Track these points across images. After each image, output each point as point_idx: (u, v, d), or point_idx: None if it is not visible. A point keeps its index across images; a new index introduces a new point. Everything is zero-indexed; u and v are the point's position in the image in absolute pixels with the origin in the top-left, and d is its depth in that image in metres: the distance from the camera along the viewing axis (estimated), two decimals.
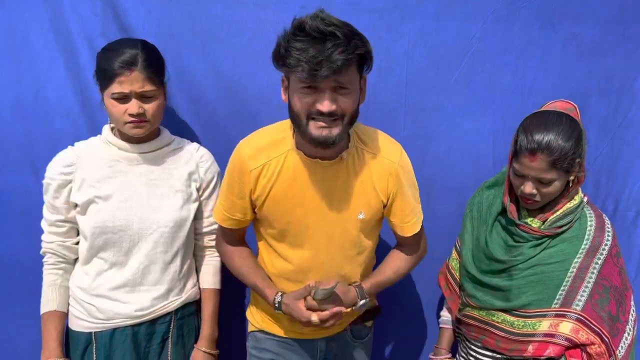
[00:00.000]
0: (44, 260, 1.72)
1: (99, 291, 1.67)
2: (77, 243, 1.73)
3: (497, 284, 1.62)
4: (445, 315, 1.88)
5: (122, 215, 1.66)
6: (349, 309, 1.56)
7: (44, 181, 1.68)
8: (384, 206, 1.60)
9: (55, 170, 1.67)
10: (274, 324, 1.70)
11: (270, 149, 1.53)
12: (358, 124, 1.55)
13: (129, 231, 1.67)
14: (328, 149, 1.44)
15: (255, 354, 1.76)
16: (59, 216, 1.68)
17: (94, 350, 1.66)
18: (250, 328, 1.80)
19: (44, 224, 1.72)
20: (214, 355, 1.83)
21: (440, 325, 1.89)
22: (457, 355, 1.83)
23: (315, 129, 1.38)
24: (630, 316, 1.60)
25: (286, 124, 1.55)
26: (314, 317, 1.47)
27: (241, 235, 1.71)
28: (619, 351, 1.57)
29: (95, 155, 1.70)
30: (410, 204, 1.62)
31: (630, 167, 2.01)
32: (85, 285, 1.68)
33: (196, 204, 1.79)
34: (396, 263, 1.69)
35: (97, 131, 1.79)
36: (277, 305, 1.56)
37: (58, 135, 1.93)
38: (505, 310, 1.62)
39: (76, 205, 1.67)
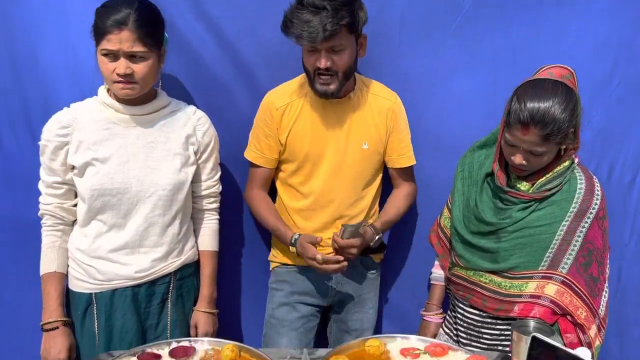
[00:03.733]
0: (42, 222, 1.74)
1: (98, 253, 1.70)
2: (75, 205, 1.75)
3: (485, 246, 1.67)
4: (437, 272, 1.94)
5: (120, 178, 1.68)
6: (370, 245, 1.90)
7: (41, 143, 1.69)
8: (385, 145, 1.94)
9: (51, 131, 1.67)
10: (294, 257, 1.96)
11: (292, 93, 1.91)
12: (361, 76, 1.95)
13: (127, 194, 1.68)
14: (329, 99, 1.83)
15: (275, 287, 2.03)
16: (56, 178, 1.69)
17: (95, 310, 1.71)
18: (272, 266, 2.08)
19: (41, 186, 1.73)
20: (213, 314, 1.88)
21: (432, 282, 1.96)
22: (447, 312, 1.90)
23: (319, 84, 1.78)
24: (607, 274, 1.67)
25: (304, 77, 1.89)
26: (319, 255, 1.78)
27: (268, 179, 2.00)
28: (601, 310, 1.65)
29: (92, 118, 1.70)
30: (405, 139, 1.99)
31: (626, 131, 2.02)
32: (85, 247, 1.71)
33: (194, 167, 1.80)
34: (396, 203, 2.02)
35: (93, 93, 1.78)
36: (292, 241, 1.87)
37: (54, 97, 1.93)
38: (492, 272, 1.67)
39: (73, 168, 1.68)
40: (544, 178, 1.62)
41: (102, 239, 1.71)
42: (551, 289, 1.61)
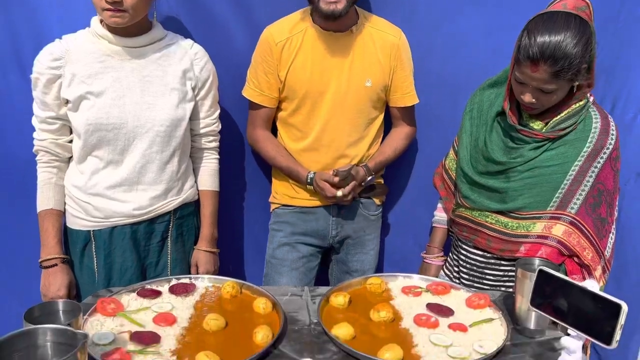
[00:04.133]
0: (37, 158, 1.69)
1: (95, 190, 1.66)
2: (71, 142, 1.69)
3: (493, 186, 1.62)
4: (439, 215, 1.91)
5: (115, 113, 1.61)
6: (361, 184, 1.89)
7: (32, 76, 1.62)
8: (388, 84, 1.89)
9: (43, 64, 1.60)
10: (293, 197, 1.97)
11: (292, 27, 1.83)
12: (364, 11, 1.88)
13: (123, 129, 1.63)
14: (336, 22, 1.74)
15: (275, 228, 2.01)
16: (49, 113, 1.63)
17: (94, 247, 1.68)
18: (272, 207, 2.05)
19: (34, 121, 1.67)
20: (214, 254, 1.86)
21: (434, 225, 1.93)
22: (449, 254, 1.88)
23: (325, 4, 1.69)
24: (615, 216, 1.63)
25: (305, 11, 1.84)
26: (339, 192, 1.81)
27: (269, 119, 1.95)
28: (607, 251, 1.61)
29: (85, 50, 1.62)
30: (409, 77, 1.93)
31: (630, 67, 1.95)
32: (81, 183, 1.67)
33: (192, 104, 1.74)
34: (393, 144, 1.98)
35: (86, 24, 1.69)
36: (309, 181, 1.86)
37: (44, 30, 1.84)
38: (499, 212, 1.63)
39: (67, 102, 1.62)
40: (558, 117, 1.55)
41: (99, 175, 1.66)
42: (559, 230, 1.57)
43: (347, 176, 1.80)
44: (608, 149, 1.55)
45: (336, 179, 1.79)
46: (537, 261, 1.42)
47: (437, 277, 1.86)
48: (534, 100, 1.50)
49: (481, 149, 1.66)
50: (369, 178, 1.89)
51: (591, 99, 1.60)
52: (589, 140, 1.54)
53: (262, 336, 1.28)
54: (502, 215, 1.63)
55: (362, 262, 2.02)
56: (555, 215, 1.57)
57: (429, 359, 1.24)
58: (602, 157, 1.55)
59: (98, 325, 1.32)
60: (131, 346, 1.24)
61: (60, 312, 1.15)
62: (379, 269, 2.16)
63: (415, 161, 2.16)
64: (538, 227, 1.59)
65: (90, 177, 1.66)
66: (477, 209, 1.67)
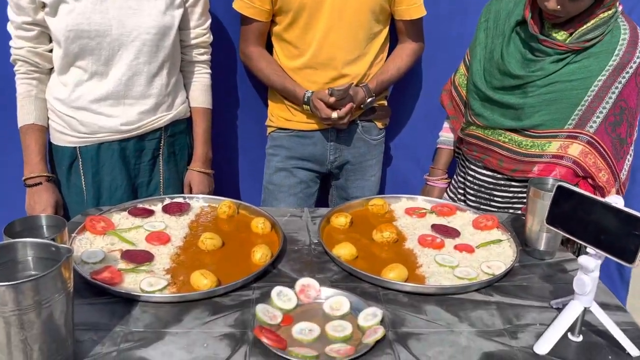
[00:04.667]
0: (15, 69, 1.56)
1: (79, 103, 1.54)
2: (51, 51, 1.55)
3: (508, 102, 1.52)
4: (445, 135, 1.81)
5: (98, 19, 1.47)
6: (360, 107, 1.76)
7: None
8: None
9: None
10: (289, 120, 1.86)
11: None
12: None
13: (107, 37, 1.49)
14: None
15: (272, 152, 1.92)
16: (25, 17, 1.48)
17: (80, 165, 1.59)
18: (268, 131, 1.94)
19: (10, 28, 1.52)
20: (208, 175, 1.78)
21: (438, 146, 1.84)
22: (454, 176, 1.80)
23: None
24: (634, 137, 1.54)
25: None
26: (334, 114, 1.68)
27: (263, 35, 1.80)
28: (622, 174, 1.54)
29: None
30: None
31: None
32: (64, 96, 1.55)
33: (180, 11, 1.59)
34: (398, 61, 1.82)
35: None
36: (306, 100, 1.74)
37: None
38: (514, 130, 1.54)
39: (44, 5, 1.47)
40: (584, 27, 1.42)
41: (83, 87, 1.54)
42: (575, 149, 1.48)
43: (343, 96, 1.66)
44: (635, 62, 1.43)
45: (332, 100, 1.66)
46: (550, 180, 1.34)
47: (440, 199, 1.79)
48: (558, 7, 1.36)
49: (497, 62, 1.53)
50: (368, 100, 1.75)
51: (620, 8, 1.45)
52: (615, 54, 1.42)
53: (261, 255, 1.21)
54: (516, 134, 1.53)
55: (362, 189, 1.94)
56: (573, 134, 1.48)
57: (435, 280, 1.18)
58: (627, 72, 1.43)
59: (87, 244, 1.25)
60: (122, 264, 1.18)
61: (44, 227, 1.07)
62: (380, 194, 2.07)
63: (422, 80, 2.03)
64: (553, 147, 1.49)
65: (73, 89, 1.54)
66: (489, 127, 1.57)
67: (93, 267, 1.16)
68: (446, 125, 1.81)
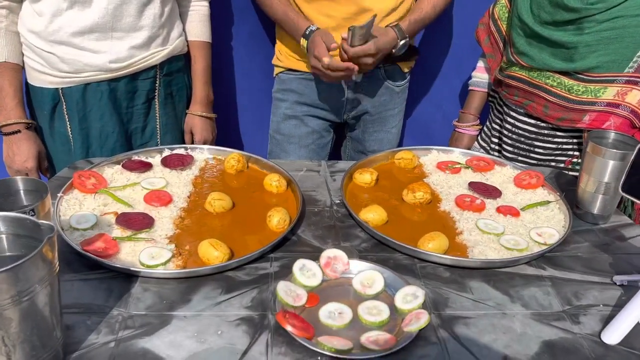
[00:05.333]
0: None
1: (59, 37, 1.32)
2: None
3: (560, 39, 1.30)
4: (479, 75, 1.61)
5: None
6: (392, 53, 1.49)
7: None
8: None
9: None
10: (301, 60, 1.60)
11: None
12: None
13: None
14: None
15: (279, 97, 1.68)
16: None
17: (65, 109, 1.39)
18: (275, 71, 1.68)
19: None
20: (211, 119, 1.58)
21: (470, 88, 1.64)
22: (487, 123, 1.62)
23: None
24: None
25: None
26: (326, 58, 1.39)
27: None
28: None
29: None
30: None
31: None
32: (40, 28, 1.32)
33: None
34: None
35: None
36: (307, 33, 1.46)
37: None
38: (564, 73, 1.34)
39: None
40: None
41: (63, 18, 1.31)
42: (634, 97, 1.29)
43: (367, 36, 1.39)
44: None
45: (346, 47, 1.37)
46: (612, 134, 1.16)
47: (469, 148, 1.62)
48: None
49: None
50: (401, 42, 1.49)
51: None
52: None
53: (278, 220, 1.05)
54: (566, 77, 1.33)
55: (380, 141, 1.73)
56: (633, 78, 1.28)
57: (479, 250, 1.03)
58: None
59: (76, 205, 1.07)
60: (118, 231, 1.01)
61: (21, 192, 0.89)
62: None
63: (453, 12, 1.78)
64: (609, 93, 1.30)
65: (51, 19, 1.31)
66: (535, 68, 1.37)
67: (84, 234, 0.99)
68: (481, 64, 1.61)
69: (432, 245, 1.01)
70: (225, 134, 1.79)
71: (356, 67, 1.41)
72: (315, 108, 1.66)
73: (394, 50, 1.49)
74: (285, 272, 0.95)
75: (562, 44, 1.30)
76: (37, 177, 1.42)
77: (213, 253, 0.95)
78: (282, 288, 0.89)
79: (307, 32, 1.47)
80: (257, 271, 0.97)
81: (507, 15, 1.46)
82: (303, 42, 1.48)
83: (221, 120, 1.69)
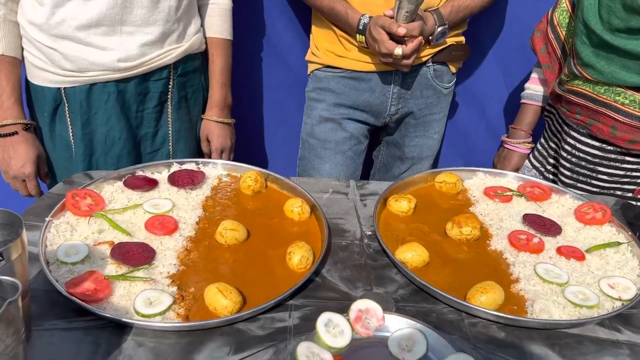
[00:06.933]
0: None
1: (62, 30, 1.17)
2: None
3: (635, 50, 1.11)
4: (534, 87, 1.42)
5: None
6: (429, 40, 1.36)
7: None
8: None
9: None
10: (341, 57, 1.44)
11: None
12: None
13: None
14: None
15: (314, 97, 1.53)
16: None
17: (67, 111, 1.24)
18: (310, 68, 1.53)
19: None
20: (229, 125, 1.42)
21: (523, 101, 1.46)
22: (541, 140, 1.43)
23: None
24: None
25: None
26: (398, 49, 1.27)
27: None
28: None
29: None
30: None
31: None
32: (41, 20, 1.17)
33: None
34: None
35: None
36: (361, 27, 1.33)
37: None
38: (638, 89, 1.14)
39: None
40: None
41: (66, 9, 1.16)
42: None
43: (414, 11, 1.25)
44: None
45: (400, 29, 1.23)
46: None
47: (519, 168, 1.44)
48: None
49: None
50: (439, 29, 1.34)
51: None
52: None
53: (300, 259, 0.89)
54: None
55: (421, 147, 1.57)
56: None
57: (541, 305, 0.85)
58: None
59: (67, 231, 0.93)
60: (112, 267, 0.86)
61: None
62: (437, 157, 1.71)
63: (506, 13, 1.59)
64: None
65: (52, 11, 1.16)
66: (603, 82, 1.18)
67: (72, 269, 0.85)
68: (535, 75, 1.42)
69: (485, 299, 0.84)
70: (248, 140, 1.63)
71: (422, 38, 1.29)
72: (355, 110, 1.50)
73: (431, 38, 1.34)
74: (307, 326, 0.80)
75: (638, 55, 1.11)
76: (36, 184, 1.28)
77: (221, 302, 0.79)
78: (304, 352, 0.73)
79: (361, 27, 1.32)
80: (274, 323, 0.81)
81: (568, 20, 1.27)
82: (360, 38, 1.35)
83: (242, 125, 1.53)
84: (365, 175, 1.72)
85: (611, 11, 1.14)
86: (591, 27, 1.17)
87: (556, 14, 1.32)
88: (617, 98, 1.17)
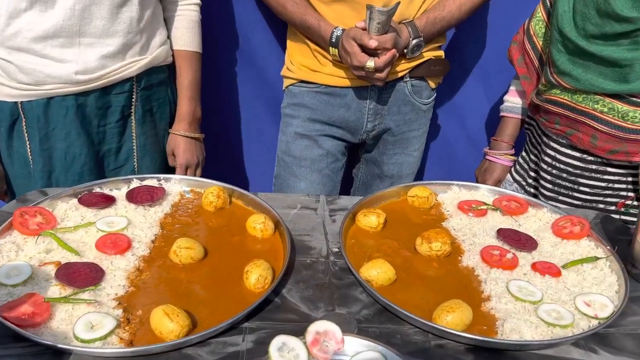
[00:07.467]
0: None
1: (17, 42, 1.13)
2: None
3: (611, 56, 1.08)
4: (512, 100, 1.39)
5: None
6: (404, 53, 1.32)
7: None
8: None
9: None
10: (316, 71, 1.40)
11: None
12: None
13: None
14: None
15: (289, 113, 1.48)
16: None
17: (24, 126, 1.19)
18: (285, 84, 1.49)
19: None
20: (197, 140, 1.38)
21: (502, 114, 1.42)
22: (522, 154, 1.39)
23: None
24: None
25: None
26: (370, 62, 1.22)
27: None
28: None
29: None
30: None
31: None
32: None
33: None
34: None
35: None
36: (334, 40, 1.29)
37: None
38: (616, 96, 1.11)
39: None
40: None
41: (21, 20, 1.12)
42: None
43: (386, 22, 1.20)
44: None
45: (372, 42, 1.19)
46: None
47: (501, 181, 1.40)
48: None
49: (595, 0, 1.08)
50: (414, 41, 1.30)
51: None
52: None
53: (257, 278, 0.84)
54: (619, 101, 1.10)
55: (400, 165, 1.52)
56: None
57: (512, 325, 0.80)
58: None
59: (12, 252, 0.87)
60: (56, 288, 0.81)
61: None
62: (419, 174, 1.66)
63: (487, 25, 1.56)
64: None
65: (7, 22, 1.12)
66: (580, 90, 1.14)
67: (12, 292, 0.79)
68: (513, 88, 1.39)
69: (452, 319, 0.79)
70: (219, 159, 1.58)
71: (395, 51, 1.24)
72: (331, 126, 1.45)
73: (405, 51, 1.31)
74: (261, 350, 0.74)
75: (614, 61, 1.07)
76: None
77: (167, 325, 0.74)
78: None
79: (334, 39, 1.28)
80: (225, 348, 0.76)
81: (544, 30, 1.24)
82: (333, 51, 1.31)
83: (213, 141, 1.48)
84: (346, 193, 1.67)
85: (585, 17, 1.11)
86: (566, 35, 1.14)
87: (532, 23, 1.29)
88: (596, 106, 1.13)
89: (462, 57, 1.59)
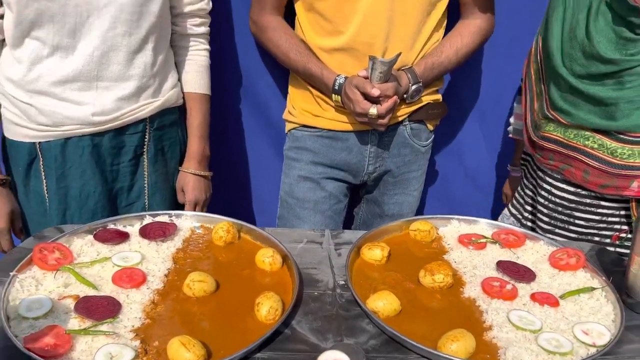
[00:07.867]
0: None
1: (38, 86, 1.20)
2: (2, 17, 1.20)
3: (597, 95, 1.14)
4: (517, 123, 1.49)
5: None
6: (404, 98, 1.38)
7: None
8: None
9: None
10: (317, 116, 1.46)
11: None
12: None
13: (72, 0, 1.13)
14: None
15: (292, 156, 1.53)
16: None
17: (42, 165, 1.25)
18: (288, 127, 1.55)
19: None
20: (206, 178, 1.43)
21: (511, 135, 1.51)
22: (518, 189, 1.44)
23: None
24: None
25: None
26: (373, 109, 1.28)
27: (281, 0, 1.42)
28: None
29: None
30: None
31: None
32: (18, 76, 1.20)
33: None
34: (457, 41, 1.41)
35: None
36: (337, 87, 1.35)
37: None
38: (604, 133, 1.17)
39: None
40: None
41: (43, 65, 1.19)
42: None
43: (388, 76, 1.28)
44: None
45: (374, 90, 1.26)
46: None
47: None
48: None
49: (581, 43, 1.16)
50: (414, 87, 1.36)
51: None
52: None
53: (268, 310, 0.87)
54: (607, 138, 1.16)
55: (400, 205, 1.56)
56: None
57: (514, 354, 0.83)
58: None
59: (32, 286, 0.91)
60: (75, 321, 0.84)
61: None
62: (419, 212, 1.70)
63: (482, 66, 1.63)
64: None
65: (30, 67, 1.19)
66: (572, 126, 1.20)
67: (34, 324, 0.83)
68: (517, 111, 1.49)
69: (456, 348, 0.82)
70: (225, 197, 1.62)
71: (397, 97, 1.31)
72: (333, 169, 1.50)
73: (405, 96, 1.37)
74: None
75: (600, 100, 1.14)
76: (9, 239, 1.27)
77: (184, 355, 0.77)
78: None
79: (337, 87, 1.34)
80: None
81: (537, 66, 1.31)
82: (336, 97, 1.36)
83: (220, 181, 1.53)
84: None
85: (572, 59, 1.18)
86: (558, 71, 1.20)
87: (531, 63, 1.33)
88: (587, 142, 1.19)
89: (459, 100, 1.65)
